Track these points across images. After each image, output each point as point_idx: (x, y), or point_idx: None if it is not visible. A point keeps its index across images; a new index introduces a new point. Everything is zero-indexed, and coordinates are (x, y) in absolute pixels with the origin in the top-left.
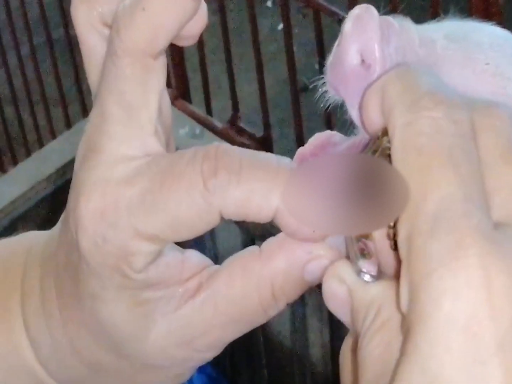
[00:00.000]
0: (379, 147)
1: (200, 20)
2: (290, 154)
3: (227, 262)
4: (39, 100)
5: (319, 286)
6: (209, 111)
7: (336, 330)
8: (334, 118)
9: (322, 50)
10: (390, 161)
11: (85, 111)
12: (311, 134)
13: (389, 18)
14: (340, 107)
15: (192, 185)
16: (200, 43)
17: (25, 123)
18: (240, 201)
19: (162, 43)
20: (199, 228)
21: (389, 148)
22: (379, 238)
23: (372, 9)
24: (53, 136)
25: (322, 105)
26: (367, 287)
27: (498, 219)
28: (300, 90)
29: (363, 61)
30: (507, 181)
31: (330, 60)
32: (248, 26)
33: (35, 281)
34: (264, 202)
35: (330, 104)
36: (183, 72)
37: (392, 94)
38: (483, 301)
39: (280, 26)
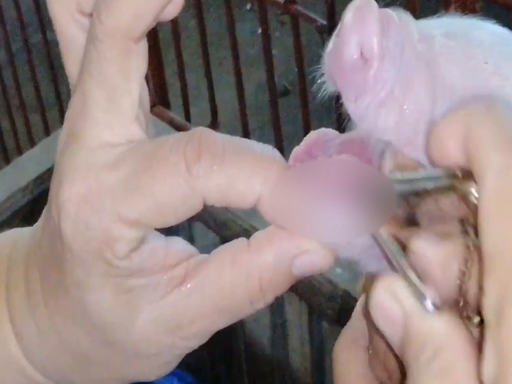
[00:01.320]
0: (458, 188)
1: (177, 3)
2: None
3: (216, 252)
4: (18, 106)
5: (299, 294)
6: (187, 117)
7: (316, 338)
8: (313, 122)
9: (301, 56)
10: (471, 207)
11: (64, 117)
12: (291, 138)
13: (389, 11)
14: (320, 115)
15: (175, 169)
16: (179, 48)
17: (3, 130)
18: (223, 186)
19: (143, 25)
20: (182, 213)
21: (473, 194)
22: (444, 274)
23: (372, 2)
24: (32, 142)
25: (320, 96)
26: (428, 318)
27: None
28: (280, 94)
29: (361, 53)
30: None
31: (328, 50)
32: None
33: (19, 274)
34: (247, 188)
35: (326, 95)
36: (162, 78)
37: (482, 131)
38: None
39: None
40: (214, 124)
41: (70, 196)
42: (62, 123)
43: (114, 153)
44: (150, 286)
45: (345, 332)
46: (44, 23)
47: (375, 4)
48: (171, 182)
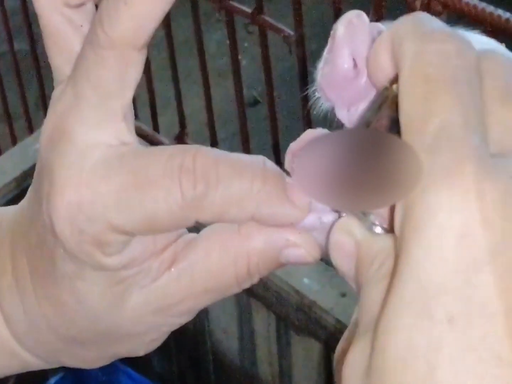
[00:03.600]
0: (388, 96)
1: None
2: None
3: (204, 233)
4: None
5: (266, 304)
6: (155, 127)
7: (284, 348)
8: (282, 133)
9: (269, 67)
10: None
11: (30, 127)
12: (260, 148)
13: (379, 24)
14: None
15: (170, 195)
16: (146, 59)
17: None
18: (216, 213)
19: (147, 34)
20: (173, 229)
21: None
22: None
23: (363, 15)
24: None
25: (317, 112)
26: (375, 238)
27: (493, 151)
28: (249, 105)
29: (354, 65)
30: (503, 119)
31: (321, 65)
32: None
33: (6, 259)
34: (240, 212)
35: (322, 110)
36: None
37: (402, 32)
38: (477, 213)
39: None
40: (182, 135)
41: (63, 202)
42: (29, 134)
43: (104, 158)
44: (142, 272)
45: (340, 343)
46: (12, 33)
47: (365, 16)
48: (165, 206)
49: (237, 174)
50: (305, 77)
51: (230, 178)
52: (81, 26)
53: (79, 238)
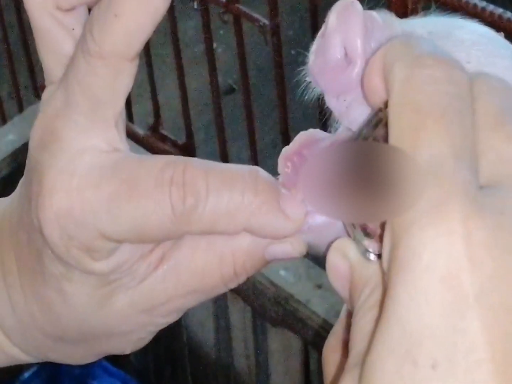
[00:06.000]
0: (382, 119)
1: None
2: (214, 158)
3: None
4: None
5: (242, 297)
6: (130, 117)
7: (260, 340)
8: (257, 121)
9: (243, 55)
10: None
11: (3, 118)
12: (236, 137)
13: (373, 13)
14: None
15: (160, 208)
16: None
17: None
18: (206, 225)
19: (138, 45)
20: (162, 240)
21: None
22: None
23: (357, 3)
24: None
25: (308, 96)
26: (368, 265)
27: (483, 181)
28: (226, 92)
29: (345, 54)
30: (494, 146)
31: (312, 50)
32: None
33: None
34: (231, 225)
35: (312, 96)
36: None
37: (393, 54)
38: (463, 253)
39: None
40: (156, 125)
41: (52, 207)
42: (3, 124)
43: (95, 164)
44: (129, 274)
45: (329, 336)
46: None
47: (359, 5)
48: (156, 218)
49: (227, 186)
50: (280, 66)
51: (219, 191)
52: (73, 29)
53: (68, 243)
